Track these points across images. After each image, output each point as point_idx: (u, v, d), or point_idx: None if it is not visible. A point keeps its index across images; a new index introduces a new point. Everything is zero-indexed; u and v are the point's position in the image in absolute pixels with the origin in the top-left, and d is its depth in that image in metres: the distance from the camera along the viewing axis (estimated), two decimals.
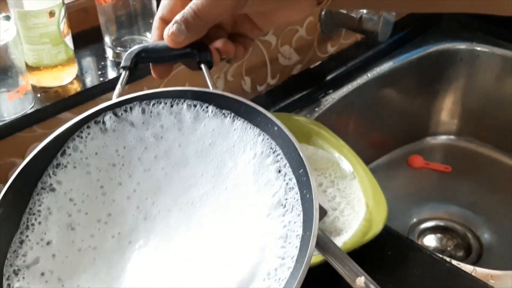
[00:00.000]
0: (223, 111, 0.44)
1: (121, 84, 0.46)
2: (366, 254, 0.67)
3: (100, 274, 0.40)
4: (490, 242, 1.01)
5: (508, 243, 0.99)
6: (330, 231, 0.70)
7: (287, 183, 0.40)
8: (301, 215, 0.38)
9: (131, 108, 0.45)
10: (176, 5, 0.45)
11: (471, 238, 1.02)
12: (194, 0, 0.44)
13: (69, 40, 0.73)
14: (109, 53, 0.79)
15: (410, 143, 1.18)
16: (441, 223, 1.06)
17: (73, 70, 0.75)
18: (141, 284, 0.40)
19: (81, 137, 0.44)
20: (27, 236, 0.41)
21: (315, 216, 0.37)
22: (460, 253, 0.99)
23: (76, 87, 0.74)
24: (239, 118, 0.43)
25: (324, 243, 0.67)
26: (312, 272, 0.65)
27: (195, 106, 0.44)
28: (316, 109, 0.96)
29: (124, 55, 0.47)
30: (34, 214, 0.42)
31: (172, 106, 0.45)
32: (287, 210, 0.39)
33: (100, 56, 0.79)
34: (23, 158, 0.71)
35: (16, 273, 0.39)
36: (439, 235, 1.05)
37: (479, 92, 1.15)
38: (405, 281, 0.67)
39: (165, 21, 0.46)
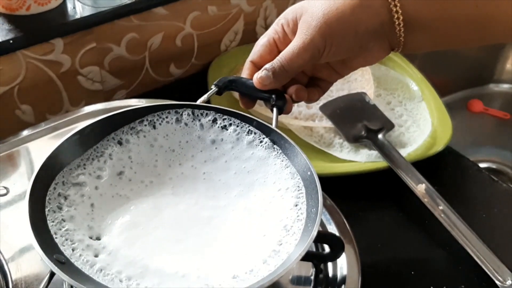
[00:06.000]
0: (275, 146, 0.52)
1: (208, 95, 0.55)
2: (427, 168, 0.70)
3: (123, 217, 0.49)
4: None
5: None
6: (395, 143, 0.74)
7: (297, 216, 0.47)
8: (298, 240, 0.45)
9: (206, 114, 0.54)
10: (265, 52, 0.55)
11: None
12: (281, 53, 0.52)
13: None
14: None
15: (472, 88, 1.19)
16: (493, 166, 1.09)
17: None
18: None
19: (160, 117, 0.53)
20: (84, 164, 0.50)
21: (308, 243, 0.44)
22: None
23: None
24: (283, 156, 0.51)
25: (389, 152, 0.72)
26: (376, 177, 0.70)
27: (255, 133, 0.53)
28: None
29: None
30: (98, 152, 0.51)
31: (237, 126, 0.53)
32: (288, 234, 0.46)
33: None
34: (119, 46, 0.78)
35: (64, 183, 0.49)
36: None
37: None
38: (463, 195, 0.70)
39: (254, 64, 0.55)
